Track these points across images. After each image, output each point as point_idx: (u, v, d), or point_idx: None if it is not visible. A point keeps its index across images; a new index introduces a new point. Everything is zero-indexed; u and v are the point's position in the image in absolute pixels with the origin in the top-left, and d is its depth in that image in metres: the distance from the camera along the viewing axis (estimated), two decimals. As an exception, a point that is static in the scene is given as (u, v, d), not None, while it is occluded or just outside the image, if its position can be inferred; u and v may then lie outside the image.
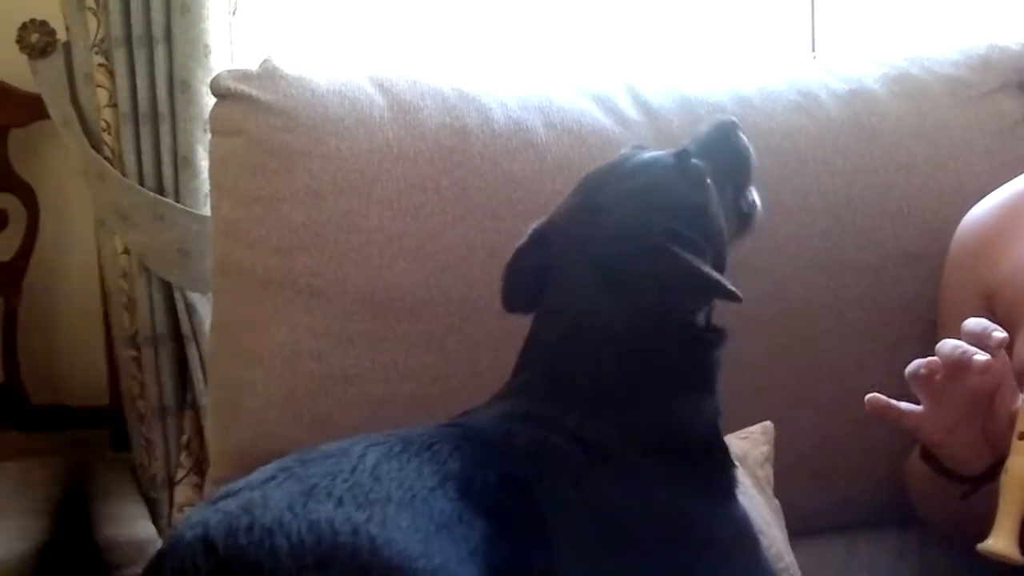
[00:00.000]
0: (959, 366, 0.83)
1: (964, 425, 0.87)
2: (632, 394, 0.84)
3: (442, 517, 0.69)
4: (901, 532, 1.18)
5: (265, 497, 0.67)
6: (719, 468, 0.87)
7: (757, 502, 1.01)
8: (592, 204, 0.91)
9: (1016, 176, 1.13)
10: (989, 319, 0.98)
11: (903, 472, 1.07)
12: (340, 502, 0.67)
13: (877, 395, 0.88)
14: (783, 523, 1.06)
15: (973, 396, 0.86)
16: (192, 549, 0.65)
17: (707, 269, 0.84)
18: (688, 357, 0.86)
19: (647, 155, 0.93)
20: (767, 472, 1.07)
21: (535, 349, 0.89)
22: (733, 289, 0.83)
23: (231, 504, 0.68)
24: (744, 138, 0.98)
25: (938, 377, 0.85)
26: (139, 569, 1.67)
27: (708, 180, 0.91)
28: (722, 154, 0.95)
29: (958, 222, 1.14)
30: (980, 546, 0.79)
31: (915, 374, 0.86)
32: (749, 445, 1.06)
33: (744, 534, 0.86)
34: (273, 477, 0.71)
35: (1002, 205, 1.10)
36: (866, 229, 1.17)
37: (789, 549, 1.03)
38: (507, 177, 1.11)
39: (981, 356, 0.82)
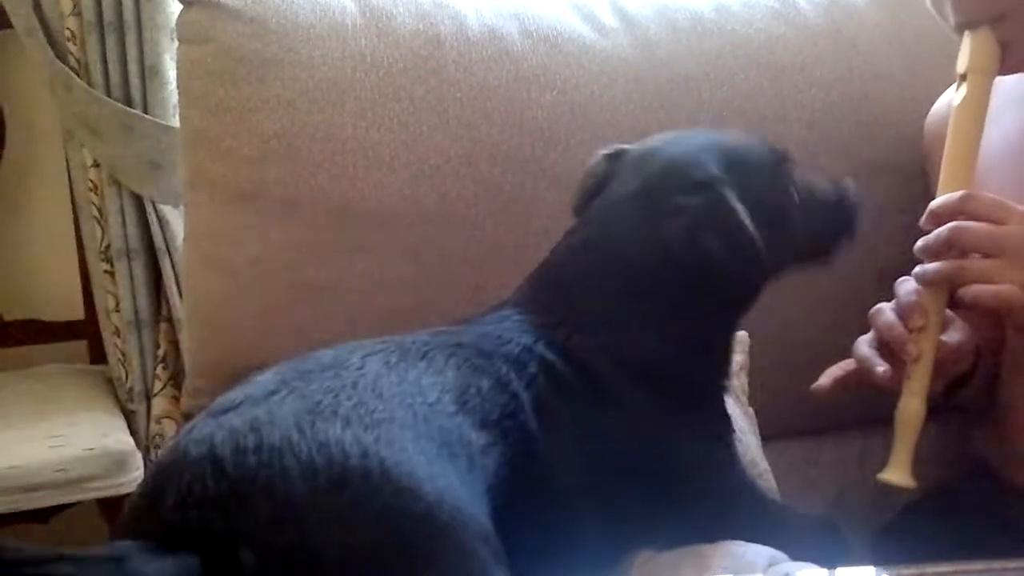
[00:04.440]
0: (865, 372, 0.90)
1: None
2: (625, 322, 0.83)
3: (442, 435, 0.70)
4: (864, 436, 1.21)
5: (271, 414, 0.66)
6: (707, 412, 0.87)
7: (733, 410, 1.02)
8: (673, 137, 0.90)
9: None
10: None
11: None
12: (347, 422, 0.66)
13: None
14: (757, 431, 1.08)
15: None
16: (199, 467, 0.63)
17: (748, 221, 0.81)
18: (696, 305, 0.84)
19: (759, 140, 0.91)
20: (742, 381, 1.09)
21: (546, 262, 0.88)
22: (760, 248, 0.81)
23: (235, 420, 0.66)
24: (860, 209, 0.94)
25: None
26: (118, 479, 1.69)
27: (792, 187, 0.88)
28: (822, 197, 0.92)
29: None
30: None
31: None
32: (724, 355, 1.07)
33: (722, 472, 0.86)
34: (275, 392, 0.69)
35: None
36: (840, 138, 1.17)
37: (763, 456, 1.05)
38: (482, 86, 1.10)
39: (881, 368, 0.89)
